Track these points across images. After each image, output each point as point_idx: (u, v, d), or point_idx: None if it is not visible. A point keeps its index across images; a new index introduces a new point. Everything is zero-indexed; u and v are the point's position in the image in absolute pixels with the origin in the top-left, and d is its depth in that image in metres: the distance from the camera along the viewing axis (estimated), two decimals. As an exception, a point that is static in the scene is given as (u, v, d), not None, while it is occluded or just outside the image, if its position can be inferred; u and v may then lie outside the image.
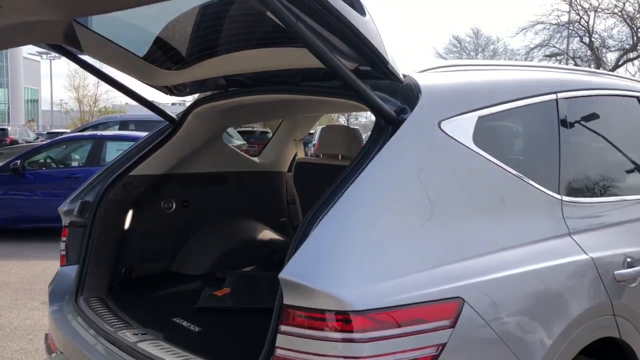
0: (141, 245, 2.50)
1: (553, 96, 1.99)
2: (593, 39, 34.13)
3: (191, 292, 2.38)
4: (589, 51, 34.68)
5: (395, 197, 1.47)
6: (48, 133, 28.97)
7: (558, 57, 34.91)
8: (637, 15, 30.36)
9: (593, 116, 2.24)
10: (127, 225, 2.43)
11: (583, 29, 33.82)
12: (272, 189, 3.08)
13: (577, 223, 1.83)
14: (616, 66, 34.05)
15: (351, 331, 1.27)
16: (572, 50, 34.58)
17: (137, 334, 1.84)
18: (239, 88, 2.18)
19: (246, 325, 1.77)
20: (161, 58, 2.15)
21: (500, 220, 1.64)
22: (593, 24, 32.89)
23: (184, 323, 2.05)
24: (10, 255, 6.78)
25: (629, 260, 1.89)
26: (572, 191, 1.89)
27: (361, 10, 1.41)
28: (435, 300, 1.36)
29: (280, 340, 1.33)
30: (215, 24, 1.91)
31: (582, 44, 34.67)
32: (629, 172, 2.37)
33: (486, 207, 1.62)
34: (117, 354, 1.77)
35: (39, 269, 6.05)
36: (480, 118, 1.71)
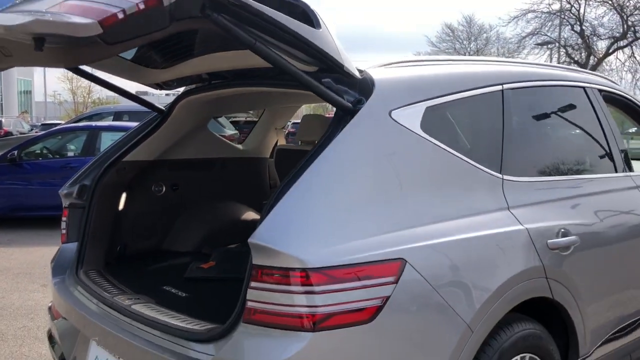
0: (134, 225, 2.74)
1: (499, 87, 2.25)
2: (584, 27, 34.37)
3: (180, 265, 2.64)
4: (580, 39, 34.95)
5: (351, 174, 1.73)
6: (42, 124, 29.03)
7: (549, 46, 35.19)
8: (627, 4, 30.60)
9: (537, 105, 2.50)
10: (121, 206, 2.68)
11: (574, 17, 34.00)
12: (255, 173, 3.33)
13: (515, 199, 2.09)
14: (606, 54, 34.34)
15: (310, 285, 1.53)
16: (563, 39, 34.84)
17: (131, 299, 2.10)
18: (220, 81, 2.43)
19: (227, 290, 2.02)
20: (148, 60, 2.39)
21: (443, 195, 1.89)
22: (584, 12, 33.09)
23: (173, 290, 2.32)
24: (9, 243, 7.02)
25: (562, 231, 2.16)
26: (513, 171, 2.15)
27: (317, 24, 1.67)
28: (381, 261, 1.62)
29: (251, 294, 1.58)
30: (195, 31, 2.13)
31: (573, 32, 34.93)
32: (568, 155, 2.64)
33: (431, 184, 1.88)
34: (114, 315, 2.03)
35: (38, 254, 6.29)
36: (428, 107, 1.97)
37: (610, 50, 34.28)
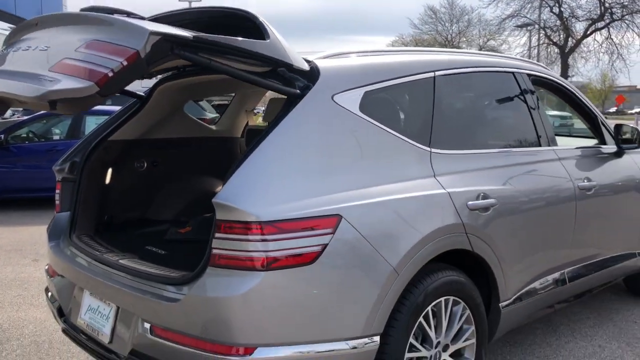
0: (120, 197, 3.11)
1: (431, 74, 2.65)
2: (562, 9, 34.91)
3: (161, 231, 3.02)
4: (558, 21, 35.49)
5: (298, 147, 2.11)
6: (24, 109, 28.97)
7: (529, 28, 35.69)
8: (604, -14, 31.14)
9: (465, 89, 2.91)
10: (107, 180, 3.03)
11: (553, -1, 34.47)
12: (227, 151, 3.71)
13: (441, 168, 2.50)
14: (584, 36, 34.93)
15: (262, 234, 1.92)
16: (542, 21, 35.36)
17: (118, 256, 2.48)
18: (192, 69, 2.79)
19: (200, 249, 2.40)
20: None
21: (377, 165, 2.29)
22: (563, -5, 33.57)
23: (154, 249, 2.70)
24: (-2, 223, 7.35)
25: (482, 194, 2.57)
26: (440, 145, 2.55)
27: (267, 36, 2.06)
28: (321, 216, 2.02)
29: (215, 243, 1.97)
30: None
31: (552, 14, 35.47)
32: (493, 131, 3.05)
33: (367, 155, 2.27)
34: (103, 268, 2.41)
35: (27, 233, 6.62)
36: (366, 92, 2.36)
37: (588, 32, 34.88)
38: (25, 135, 8.50)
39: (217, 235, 1.97)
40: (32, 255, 5.67)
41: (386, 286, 2.13)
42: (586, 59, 36.48)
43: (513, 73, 3.12)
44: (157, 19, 2.37)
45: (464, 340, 2.56)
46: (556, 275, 3.14)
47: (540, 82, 3.38)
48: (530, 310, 2.96)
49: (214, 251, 1.97)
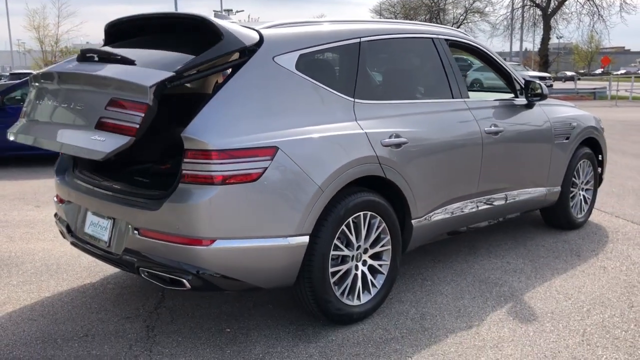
0: None
1: (357, 40, 3.36)
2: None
3: (146, 168, 3.75)
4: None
5: (246, 96, 2.83)
6: (10, 74, 29.12)
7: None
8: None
9: (387, 52, 3.63)
10: None
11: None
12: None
13: (362, 114, 3.23)
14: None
15: (218, 159, 2.66)
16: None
17: (112, 183, 3.22)
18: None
19: (175, 179, 3.13)
20: None
21: (309, 111, 3.02)
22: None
23: (141, 179, 3.45)
24: (1, 177, 8.05)
25: (394, 135, 3.32)
26: (362, 96, 3.28)
27: (221, 35, 2.87)
28: (262, 147, 2.75)
29: (184, 166, 2.70)
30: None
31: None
32: (409, 85, 3.79)
33: (301, 104, 3.00)
34: (101, 192, 3.15)
35: (28, 186, 7.34)
36: (301, 54, 3.07)
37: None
38: (19, 97, 9.11)
39: (185, 160, 2.70)
40: (34, 203, 6.40)
41: (313, 199, 2.88)
42: (568, 21, 37.10)
43: (432, 38, 3.83)
44: (133, 19, 3.30)
45: (381, 246, 3.34)
46: (465, 202, 3.92)
47: (458, 45, 4.11)
48: (439, 228, 3.75)
49: (184, 172, 2.71)
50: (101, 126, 2.73)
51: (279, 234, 2.82)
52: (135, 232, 2.85)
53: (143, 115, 2.60)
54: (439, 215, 3.70)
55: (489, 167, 4.01)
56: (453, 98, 3.87)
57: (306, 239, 2.89)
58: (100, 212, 3.13)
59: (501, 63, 4.40)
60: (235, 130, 2.74)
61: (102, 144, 2.66)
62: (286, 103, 2.96)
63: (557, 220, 5.10)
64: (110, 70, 2.83)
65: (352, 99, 3.23)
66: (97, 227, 3.14)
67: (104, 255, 3.08)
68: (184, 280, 2.72)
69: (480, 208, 4.04)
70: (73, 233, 3.35)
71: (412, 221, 3.50)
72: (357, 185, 3.21)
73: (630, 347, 3.00)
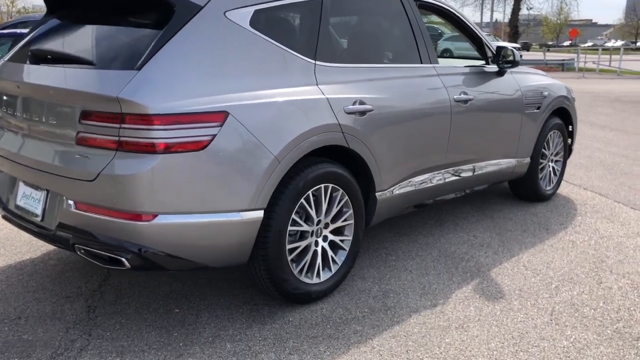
0: None
1: (320, -2, 3.07)
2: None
3: None
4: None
5: (192, 54, 2.54)
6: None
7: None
8: None
9: (352, 11, 3.36)
10: None
11: None
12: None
13: (324, 78, 2.97)
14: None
15: (161, 125, 2.37)
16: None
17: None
18: None
19: None
20: None
21: (265, 72, 2.75)
22: None
23: None
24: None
25: (359, 101, 3.07)
26: (324, 58, 3.01)
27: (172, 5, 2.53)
28: (210, 112, 2.48)
29: (122, 132, 2.40)
30: None
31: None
32: (375, 48, 3.53)
33: (256, 64, 2.72)
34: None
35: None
36: (257, 10, 2.78)
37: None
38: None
39: (123, 126, 2.41)
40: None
41: (268, 171, 2.63)
42: (538, -9, 36.88)
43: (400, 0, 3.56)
44: None
45: (343, 221, 3.13)
46: (432, 174, 3.72)
47: (428, 7, 3.85)
48: (404, 201, 3.56)
49: (121, 139, 2.42)
50: (84, 141, 2.53)
51: (230, 209, 2.57)
52: (70, 204, 2.57)
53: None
54: (405, 188, 3.50)
55: (458, 137, 3.81)
56: (422, 63, 3.63)
57: (260, 213, 2.66)
58: (34, 182, 2.82)
59: (472, 27, 4.17)
60: (180, 93, 2.46)
61: (88, 162, 2.51)
62: (238, 63, 2.68)
63: (525, 192, 4.97)
64: (71, 80, 2.58)
65: (313, 61, 2.96)
66: (30, 199, 2.84)
67: (38, 231, 2.79)
68: (123, 259, 2.47)
69: (447, 180, 3.86)
70: (5, 206, 3.04)
71: (377, 194, 3.28)
72: (317, 155, 2.98)
73: (599, 327, 2.87)
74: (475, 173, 4.11)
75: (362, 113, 3.09)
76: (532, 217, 4.62)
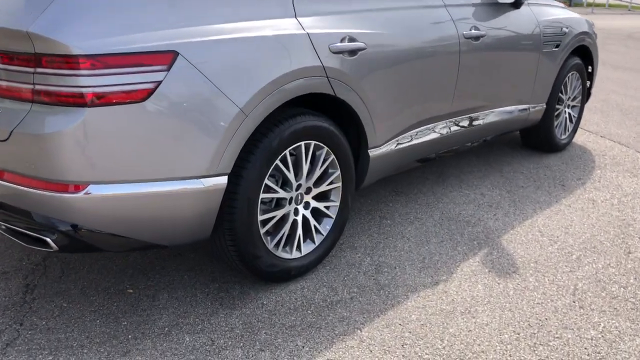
0: None
1: None
2: None
3: None
4: None
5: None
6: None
7: None
8: None
9: None
10: None
11: None
12: None
13: (304, 9, 2.39)
14: None
15: (87, 69, 1.82)
16: None
17: None
18: None
19: None
20: None
21: (227, 0, 2.16)
22: None
23: None
24: None
25: (348, 37, 2.50)
26: (304, -17, 2.41)
27: None
28: (153, 52, 1.92)
29: (37, 78, 1.86)
30: None
31: None
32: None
33: (215, -10, 2.14)
34: None
35: None
36: None
37: None
38: None
39: (38, 70, 1.86)
40: None
41: (232, 127, 2.10)
42: None
43: None
44: None
45: (329, 184, 2.62)
46: (436, 125, 3.19)
47: None
48: (403, 158, 3.03)
49: (37, 87, 1.87)
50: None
51: (183, 175, 2.05)
52: (-16, 171, 2.04)
53: None
54: (403, 143, 2.96)
55: (467, 80, 3.25)
56: (425, -9, 3.02)
57: (223, 180, 2.14)
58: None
59: (486, -51, 3.51)
60: (113, 26, 1.89)
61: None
62: (193, -12, 2.09)
63: (538, 142, 4.45)
64: None
65: (291, -12, 2.37)
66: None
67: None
68: (48, 240, 1.97)
69: (453, 131, 3.32)
70: None
71: (370, 151, 2.76)
72: (296, 106, 2.44)
73: (633, 311, 2.42)
74: (486, 122, 3.57)
75: (352, 52, 2.52)
76: (546, 170, 4.11)
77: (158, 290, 2.49)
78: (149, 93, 1.92)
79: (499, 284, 2.60)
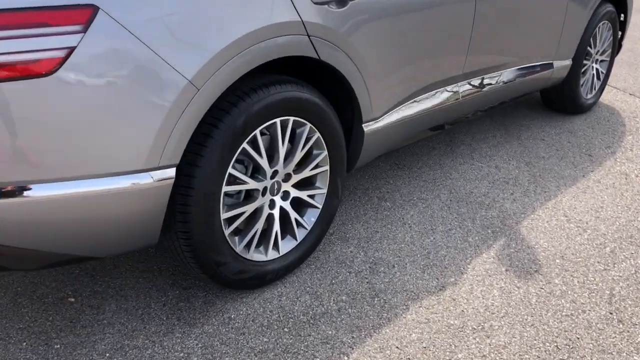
0: None
1: None
2: None
3: None
4: None
5: None
6: None
7: None
8: None
9: None
10: None
11: None
12: None
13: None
14: None
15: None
16: None
17: None
18: None
19: None
20: None
21: None
22: None
23: None
24: None
25: (335, -16, 1.96)
26: None
27: None
28: (64, 6, 1.41)
29: None
30: None
31: None
32: None
33: None
34: None
35: None
36: None
37: None
38: None
39: None
40: None
41: (178, 106, 1.60)
42: None
43: None
44: None
45: (314, 168, 2.13)
46: (446, 89, 2.67)
47: None
48: (407, 131, 2.53)
49: None
50: None
51: (111, 171, 1.57)
52: None
53: None
54: (406, 112, 2.46)
55: (484, 33, 2.70)
56: None
57: (169, 173, 1.66)
58: None
59: None
60: (4, -28, 1.37)
61: None
62: None
63: (561, 102, 3.90)
64: None
65: None
66: None
67: None
68: None
69: (467, 95, 2.80)
70: None
71: (364, 125, 2.26)
72: (267, 71, 1.94)
73: (684, 327, 1.97)
74: (505, 83, 3.03)
75: (341, 2, 1.98)
76: (570, 136, 3.59)
77: (105, 299, 2.05)
78: (59, 63, 1.41)
79: (518, 288, 2.15)
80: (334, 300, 2.06)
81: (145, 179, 1.61)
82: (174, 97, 1.58)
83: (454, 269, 2.25)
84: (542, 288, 2.15)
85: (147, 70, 1.53)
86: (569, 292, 2.13)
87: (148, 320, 1.95)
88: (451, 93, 2.70)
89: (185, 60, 1.59)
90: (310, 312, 2.00)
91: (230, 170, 1.82)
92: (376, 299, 2.07)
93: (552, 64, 3.40)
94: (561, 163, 3.21)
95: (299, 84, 1.97)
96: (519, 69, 3.12)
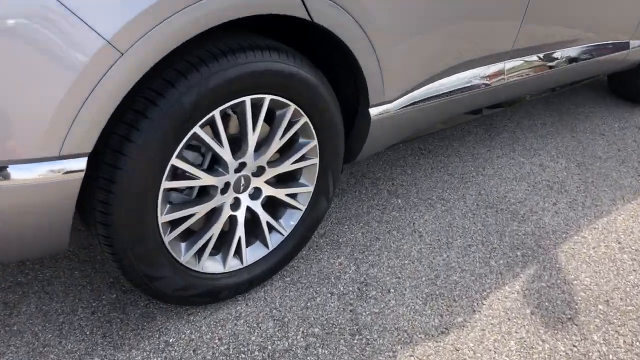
0: None
1: None
2: None
3: None
4: None
5: None
6: None
7: None
8: None
9: None
10: None
11: None
12: None
13: None
14: None
15: None
16: None
17: None
18: None
19: None
20: None
21: None
22: None
23: None
24: None
25: None
26: None
27: None
28: None
29: None
30: None
31: None
32: None
33: None
34: None
35: None
36: None
37: None
38: None
39: None
40: None
41: (90, 74, 1.14)
42: None
43: None
44: None
45: (297, 162, 1.66)
46: (488, 67, 2.12)
47: None
48: (427, 119, 2.01)
49: None
50: None
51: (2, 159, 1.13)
52: None
53: None
54: (427, 93, 1.93)
55: (544, 1, 2.12)
56: None
57: (77, 164, 1.21)
58: None
59: None
60: None
61: None
62: None
63: (629, 90, 3.28)
64: None
65: None
66: None
67: None
68: None
69: (510, 77, 2.24)
70: None
71: (371, 109, 1.75)
72: (238, 30, 1.45)
73: None
74: (567, 64, 2.45)
75: (350, -54, 1.45)
76: (637, 134, 2.99)
77: (26, 295, 1.67)
78: None
79: (543, 342, 1.67)
80: (302, 332, 1.62)
81: (37, 171, 1.17)
82: (83, 63, 1.12)
83: (465, 303, 1.77)
84: (574, 346, 1.66)
85: (47, 24, 1.07)
86: (611, 357, 1.64)
87: (67, 333, 1.56)
88: (494, 72, 2.15)
89: (101, 14, 1.11)
90: (269, 347, 1.57)
91: (173, 161, 1.37)
92: (357, 337, 1.62)
93: (628, 43, 2.77)
94: (621, 168, 2.64)
95: (283, 52, 1.47)
96: (587, 46, 2.51)
